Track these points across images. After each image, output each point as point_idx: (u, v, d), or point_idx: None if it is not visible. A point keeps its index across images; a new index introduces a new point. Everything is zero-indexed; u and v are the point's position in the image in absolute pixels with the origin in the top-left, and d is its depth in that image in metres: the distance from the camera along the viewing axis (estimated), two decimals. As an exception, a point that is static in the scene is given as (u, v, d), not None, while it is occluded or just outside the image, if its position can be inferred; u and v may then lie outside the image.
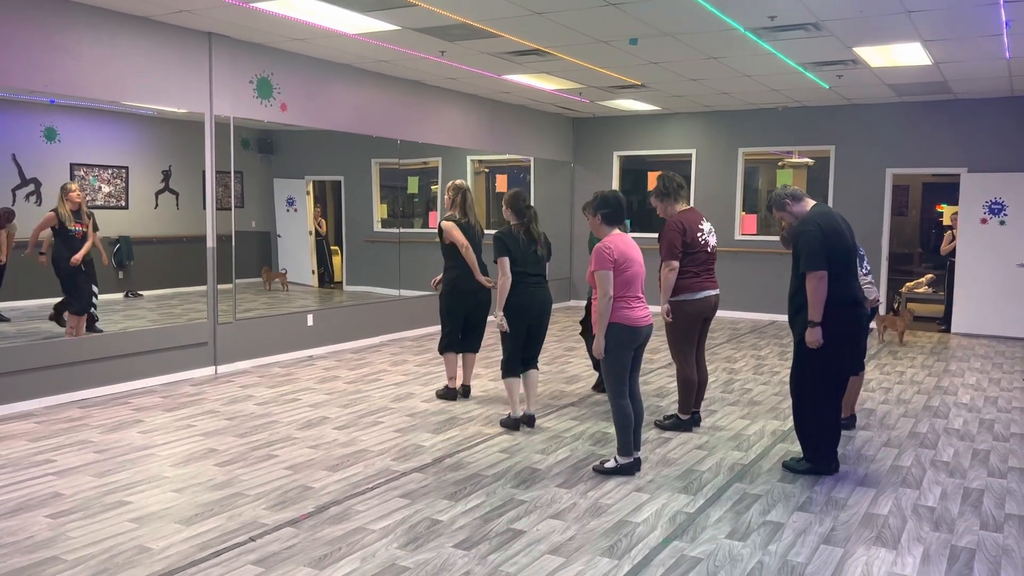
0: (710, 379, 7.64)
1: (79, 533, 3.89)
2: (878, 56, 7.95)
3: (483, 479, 4.74)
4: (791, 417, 6.18)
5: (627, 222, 6.52)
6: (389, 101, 9.53)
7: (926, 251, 15.24)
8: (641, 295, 4.78)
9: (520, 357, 5.72)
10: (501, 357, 5.75)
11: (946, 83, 9.39)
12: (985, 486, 4.75)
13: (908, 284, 12.07)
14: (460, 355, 6.63)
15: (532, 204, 5.78)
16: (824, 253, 4.60)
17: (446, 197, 6.51)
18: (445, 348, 6.53)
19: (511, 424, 5.79)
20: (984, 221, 10.49)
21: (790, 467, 4.98)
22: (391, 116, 9.57)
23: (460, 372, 6.69)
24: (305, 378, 7.42)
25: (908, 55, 7.85)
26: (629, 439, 4.82)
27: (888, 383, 7.58)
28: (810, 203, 4.92)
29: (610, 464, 4.87)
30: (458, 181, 6.55)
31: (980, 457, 5.32)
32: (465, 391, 6.71)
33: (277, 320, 8.29)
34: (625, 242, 4.75)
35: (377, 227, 10.64)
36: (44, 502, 4.28)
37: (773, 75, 9.08)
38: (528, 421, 5.84)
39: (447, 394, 6.64)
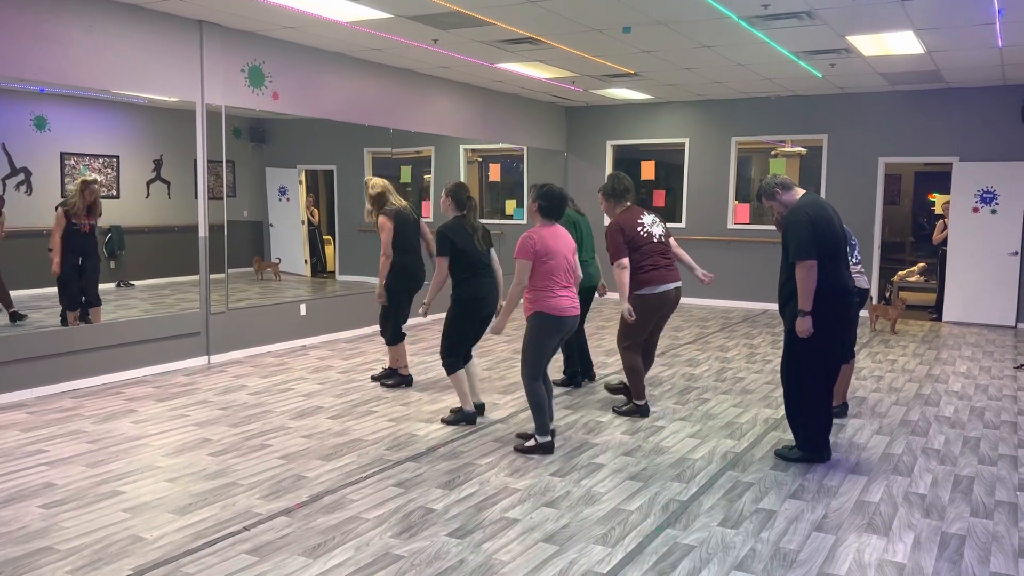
0: (702, 368, 7.67)
1: (72, 523, 3.88)
2: (871, 45, 7.94)
3: (477, 468, 4.75)
4: (783, 406, 6.20)
5: (586, 219, 6.66)
6: (382, 90, 9.49)
7: (918, 240, 15.29)
8: (568, 285, 4.94)
9: (463, 352, 5.65)
10: (442, 350, 5.60)
11: (938, 72, 9.40)
12: (976, 473, 4.79)
13: (900, 273, 12.10)
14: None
15: (472, 196, 5.74)
16: (814, 242, 4.61)
17: (369, 196, 6.53)
18: (393, 339, 6.61)
19: (467, 418, 5.68)
20: (976, 210, 10.52)
21: (782, 455, 5.00)
22: (384, 105, 9.53)
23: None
24: (298, 368, 7.41)
25: (901, 44, 7.85)
26: (546, 420, 5.01)
27: (880, 371, 7.61)
28: (800, 192, 4.92)
29: (530, 443, 5.06)
30: (374, 180, 6.59)
31: (971, 445, 5.35)
32: (394, 374, 6.82)
33: (270, 310, 8.27)
34: (553, 235, 4.93)
35: (368, 217, 10.61)
36: (37, 492, 4.28)
37: (766, 64, 9.07)
38: (479, 409, 5.82)
39: (399, 380, 6.74)
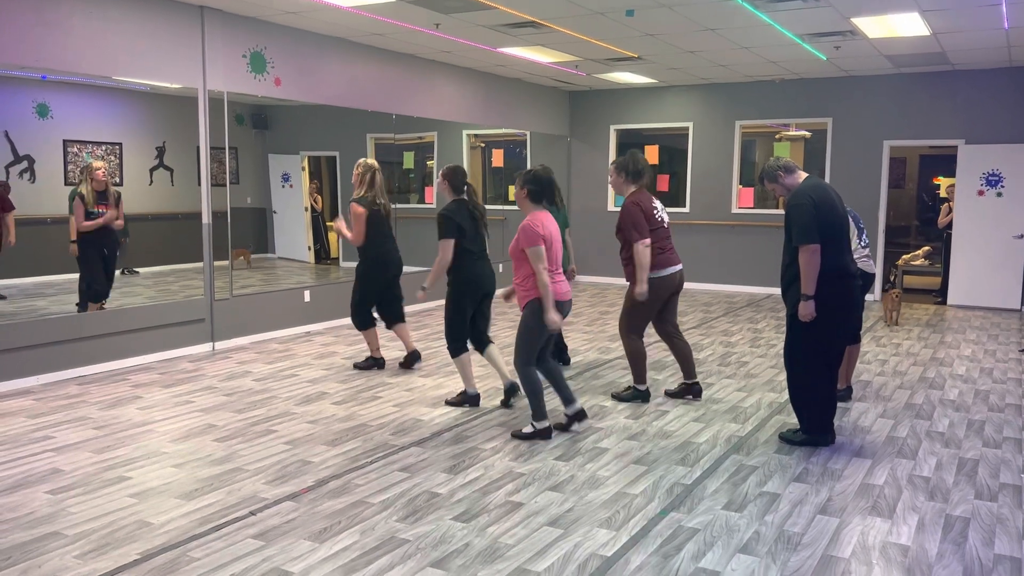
0: (706, 352, 7.67)
1: (79, 508, 3.91)
2: (876, 27, 7.89)
3: (481, 452, 4.76)
4: (787, 389, 6.20)
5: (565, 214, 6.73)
6: (384, 75, 9.46)
7: (922, 223, 15.24)
8: (560, 271, 4.99)
9: (467, 335, 5.68)
10: (447, 335, 5.61)
11: (944, 54, 9.34)
12: (980, 456, 4.79)
13: (905, 256, 12.07)
14: (394, 326, 6.79)
15: (470, 181, 5.76)
16: (817, 226, 4.59)
17: (355, 174, 6.55)
18: (365, 324, 6.69)
19: (471, 400, 5.75)
20: (981, 193, 10.47)
21: (787, 439, 5.00)
22: (386, 90, 9.50)
23: (376, 342, 6.89)
24: (303, 354, 7.42)
25: (906, 25, 7.80)
26: (542, 404, 5.00)
27: (884, 355, 7.61)
28: (803, 175, 4.90)
29: (528, 429, 5.04)
30: (368, 160, 6.61)
31: (975, 427, 5.35)
32: (415, 356, 6.89)
33: (274, 296, 8.28)
34: (550, 219, 4.95)
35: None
36: (44, 478, 4.30)
37: (770, 47, 9.01)
38: (512, 390, 5.79)
39: (371, 363, 6.85)
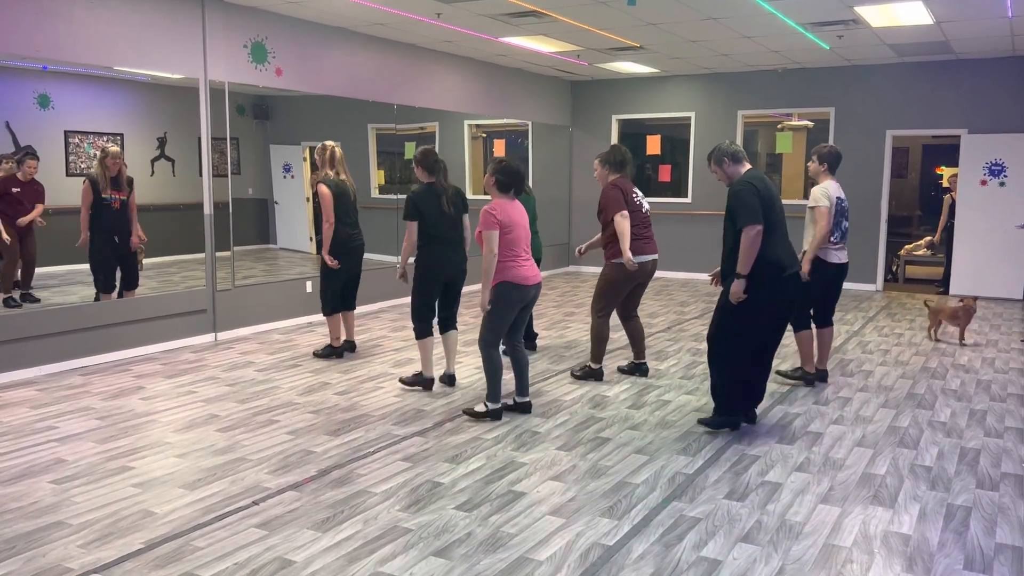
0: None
1: (83, 498, 3.92)
2: (879, 15, 7.85)
3: (484, 442, 4.77)
4: (789, 381, 6.23)
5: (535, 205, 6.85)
6: (385, 65, 9.43)
7: (925, 214, 15.21)
8: (528, 256, 5.08)
9: (431, 318, 5.79)
10: (411, 315, 5.77)
11: (947, 43, 9.30)
12: (982, 446, 4.79)
13: (907, 247, 12.06)
14: (341, 313, 6.91)
15: (441, 159, 5.74)
16: (761, 209, 4.64)
17: (317, 159, 6.66)
18: (332, 310, 6.78)
19: (422, 383, 5.86)
20: (984, 183, 10.45)
21: (703, 422, 5.03)
22: (387, 80, 9.48)
23: (343, 330, 7.01)
24: (305, 344, 7.43)
25: (909, 14, 7.76)
26: (498, 387, 5.13)
27: (887, 345, 7.60)
28: (747, 167, 4.96)
29: (480, 408, 5.16)
30: (327, 142, 6.67)
31: (977, 417, 5.35)
32: (351, 346, 7.04)
33: (276, 287, 8.28)
34: (513, 207, 5.06)
35: (375, 193, 10.60)
36: (47, 468, 4.31)
37: (773, 36, 8.98)
38: (449, 380, 5.98)
39: (330, 352, 6.89)
